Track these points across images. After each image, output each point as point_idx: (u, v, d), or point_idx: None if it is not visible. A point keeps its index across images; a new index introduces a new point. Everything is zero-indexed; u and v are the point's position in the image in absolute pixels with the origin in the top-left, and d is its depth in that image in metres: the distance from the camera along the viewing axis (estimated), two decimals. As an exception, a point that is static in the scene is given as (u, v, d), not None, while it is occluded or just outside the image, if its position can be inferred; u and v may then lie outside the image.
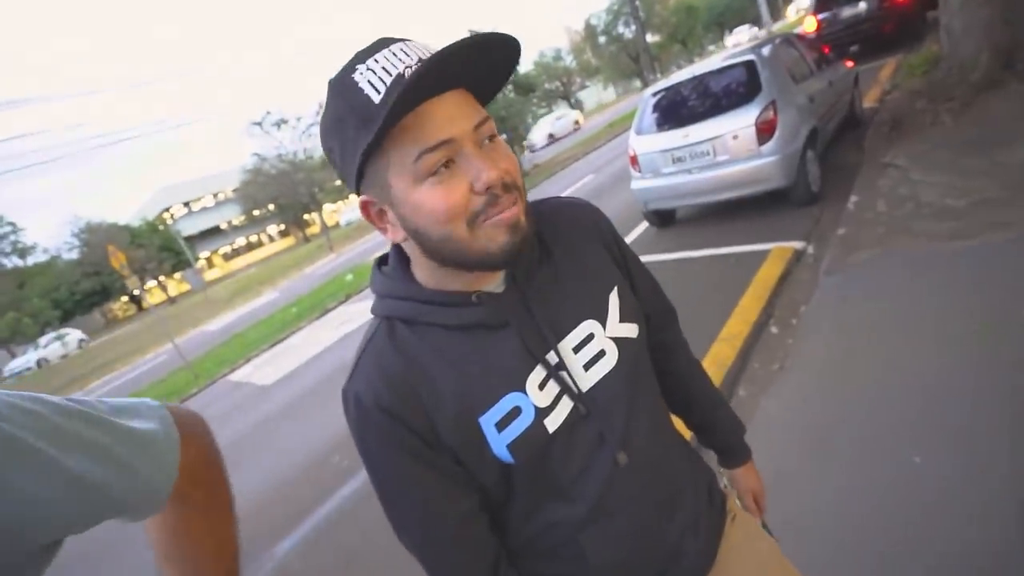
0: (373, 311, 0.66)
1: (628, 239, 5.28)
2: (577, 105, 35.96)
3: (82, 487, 0.47)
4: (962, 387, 1.92)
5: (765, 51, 4.38)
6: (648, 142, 4.72)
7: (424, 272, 0.63)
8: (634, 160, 4.84)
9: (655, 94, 4.92)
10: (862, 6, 8.86)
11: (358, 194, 0.59)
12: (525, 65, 21.46)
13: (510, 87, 16.78)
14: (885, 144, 4.46)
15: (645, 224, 5.45)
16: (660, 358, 0.83)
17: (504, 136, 15.82)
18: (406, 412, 0.59)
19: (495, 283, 0.64)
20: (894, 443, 1.81)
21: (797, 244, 3.69)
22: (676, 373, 0.87)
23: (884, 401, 2.02)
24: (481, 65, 0.54)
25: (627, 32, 33.21)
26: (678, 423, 0.83)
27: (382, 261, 0.69)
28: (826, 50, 5.58)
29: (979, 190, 3.06)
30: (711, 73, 4.55)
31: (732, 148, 4.15)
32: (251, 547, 2.95)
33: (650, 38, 32.04)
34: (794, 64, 4.61)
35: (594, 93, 45.26)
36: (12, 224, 32.42)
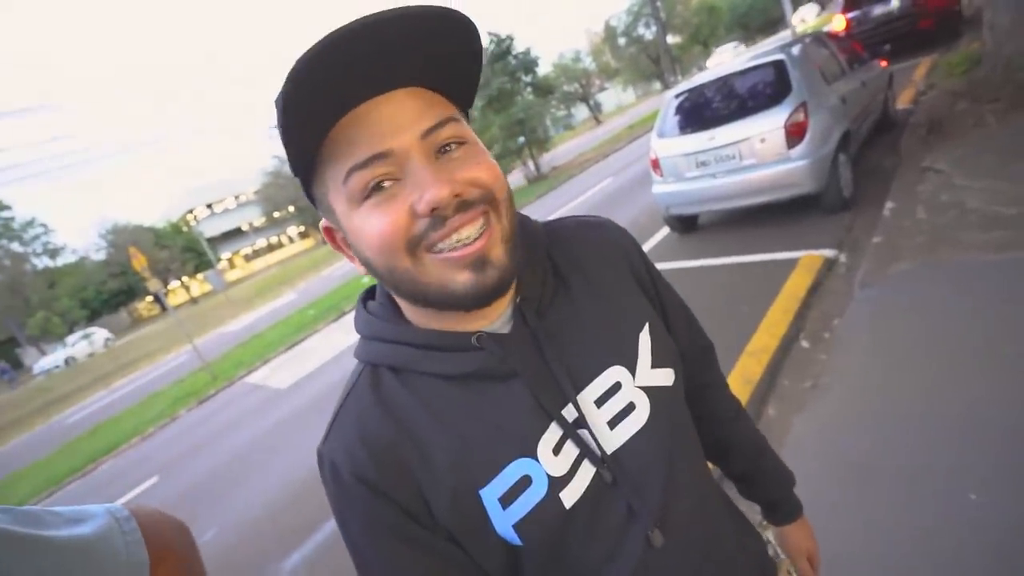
0: (356, 355, 0.55)
1: (648, 246, 5.18)
2: (596, 107, 35.69)
3: None
4: (1019, 415, 1.75)
5: (795, 50, 4.19)
6: (671, 145, 4.56)
7: (413, 309, 0.52)
8: (656, 163, 4.68)
9: (678, 95, 4.76)
10: (894, 3, 8.50)
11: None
12: (544, 67, 21.27)
13: (529, 88, 16.68)
14: (922, 147, 4.24)
15: (666, 230, 5.29)
16: (697, 401, 0.71)
17: (521, 139, 15.80)
18: (392, 486, 0.48)
19: (500, 322, 0.53)
20: (944, 476, 1.65)
21: (828, 253, 3.51)
22: (715, 418, 0.75)
23: (931, 428, 1.85)
24: (433, 50, 0.42)
25: (647, 33, 32.86)
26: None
27: (368, 296, 0.59)
28: (859, 48, 5.35)
29: (1027, 198, 2.86)
30: (738, 73, 4.37)
31: (759, 151, 3.97)
32: (260, 561, 2.89)
33: (671, 39, 31.66)
34: (825, 63, 4.41)
35: (613, 95, 44.91)
36: (44, 226, 33.39)
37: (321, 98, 0.40)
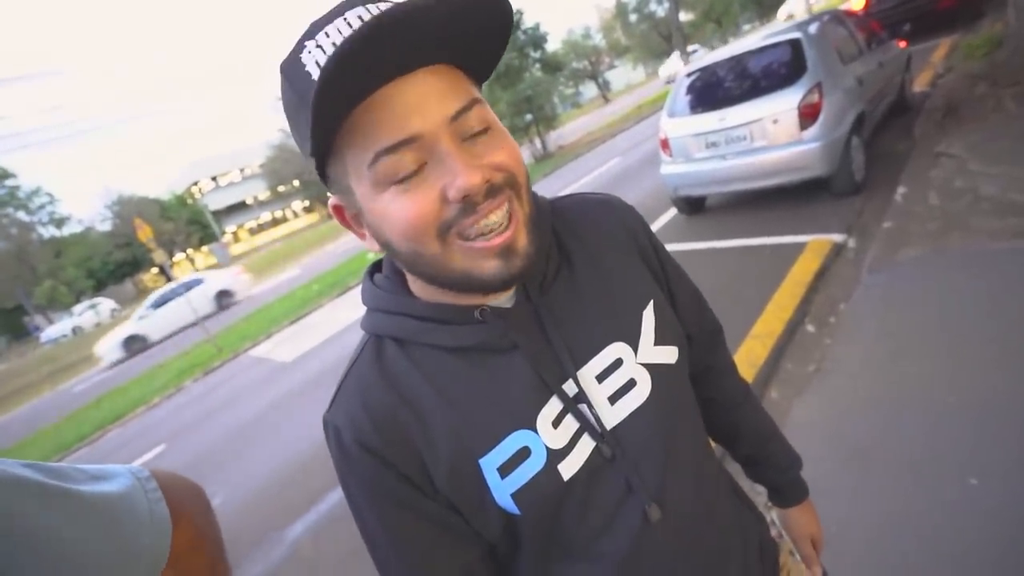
0: (362, 327, 0.55)
1: (655, 227, 5.13)
2: (605, 85, 35.11)
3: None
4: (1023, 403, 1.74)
5: (812, 28, 4.08)
6: (681, 125, 4.48)
7: (418, 284, 0.52)
8: (665, 143, 4.61)
9: (690, 75, 4.67)
10: None
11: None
12: (553, 43, 20.90)
13: (538, 65, 16.39)
14: (938, 131, 4.15)
15: (673, 211, 5.24)
16: (704, 384, 0.72)
17: (529, 116, 15.60)
18: (393, 453, 0.49)
19: (504, 297, 0.53)
20: (946, 462, 1.66)
21: (837, 237, 3.47)
22: (722, 401, 0.74)
23: (934, 414, 1.85)
24: (462, 27, 0.40)
25: (659, 10, 32.12)
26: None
27: (375, 268, 0.58)
28: (877, 28, 5.21)
29: (1046, 184, 2.81)
30: (751, 52, 4.27)
31: (771, 133, 3.90)
32: (263, 528, 2.95)
33: (683, 16, 30.90)
34: (843, 43, 4.29)
35: (623, 73, 44.11)
36: (49, 195, 33.44)
37: (360, 77, 0.38)
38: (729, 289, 3.36)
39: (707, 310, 0.73)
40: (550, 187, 10.48)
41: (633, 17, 33.99)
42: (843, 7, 6.99)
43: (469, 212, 0.43)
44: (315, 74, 0.40)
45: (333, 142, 0.43)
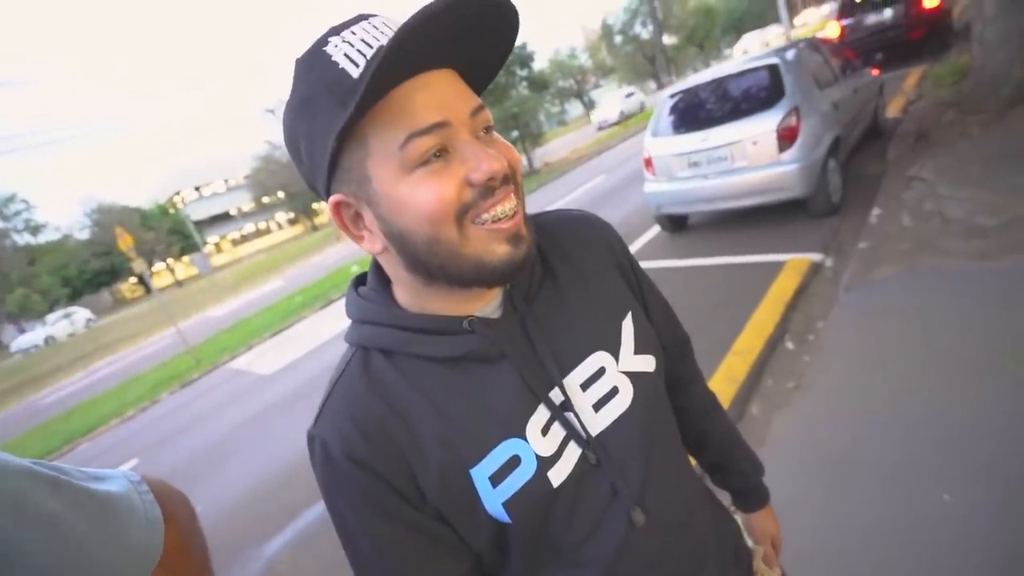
0: (347, 339, 0.56)
1: (638, 244, 5.22)
2: (590, 104, 35.68)
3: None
4: (995, 418, 1.80)
5: (789, 54, 4.23)
6: (664, 144, 4.59)
7: (407, 293, 0.53)
8: (648, 162, 4.71)
9: (673, 96, 4.79)
10: (888, 12, 8.65)
11: (327, 194, 0.49)
12: (540, 62, 21.23)
13: (524, 83, 16.63)
14: (910, 156, 4.31)
15: (657, 229, 5.32)
16: (675, 393, 0.74)
17: (515, 132, 15.77)
18: (382, 465, 0.49)
19: (490, 308, 0.54)
20: (920, 477, 1.70)
21: (815, 256, 3.56)
22: (691, 409, 0.77)
23: (908, 429, 1.90)
24: (475, 39, 0.45)
25: (644, 32, 32.88)
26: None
27: (360, 281, 0.59)
28: (851, 56, 5.42)
29: (1010, 208, 2.92)
30: (732, 76, 4.41)
31: (751, 154, 4.01)
32: (240, 544, 2.88)
33: (667, 39, 31.71)
34: (819, 69, 4.46)
35: (608, 92, 44.92)
36: (25, 202, 32.68)
37: (413, 59, 0.42)
38: (711, 306, 3.42)
39: (677, 322, 0.76)
40: (536, 203, 10.57)
41: (618, 39, 34.74)
42: (819, 35, 7.27)
43: (487, 196, 0.46)
44: (347, 65, 0.43)
45: (357, 127, 0.44)
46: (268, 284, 16.90)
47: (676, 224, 5.04)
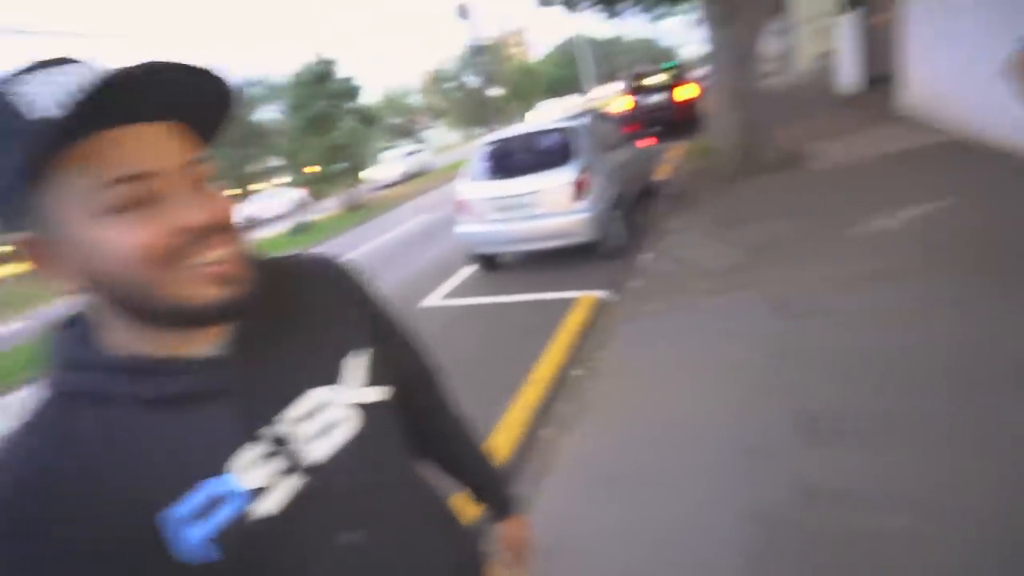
0: (42, 387, 0.51)
1: (454, 280, 5.39)
2: (420, 143, 36.45)
3: None
4: (738, 424, 2.24)
5: (583, 121, 4.93)
6: (477, 189, 4.92)
7: (115, 334, 0.51)
8: (462, 205, 4.99)
9: (488, 144, 5.19)
10: (657, 97, 10.80)
11: (9, 230, 0.47)
12: (372, 96, 21.02)
13: (357, 116, 16.34)
14: (670, 212, 5.30)
15: (472, 267, 5.61)
16: (422, 420, 0.80)
17: (345, 164, 15.33)
18: (53, 528, 0.45)
19: (207, 347, 0.54)
20: (680, 481, 2.00)
21: (601, 293, 4.10)
22: (440, 434, 0.84)
23: (672, 438, 2.24)
24: (195, 96, 0.48)
25: (474, 81, 34.97)
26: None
27: (65, 324, 0.55)
28: (628, 129, 6.51)
29: (729, 257, 3.77)
30: (538, 133, 4.98)
31: (550, 202, 4.53)
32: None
33: (494, 92, 34.15)
34: (606, 135, 5.26)
35: (440, 134, 46.42)
36: None
37: (122, 103, 0.43)
38: (515, 339, 3.70)
39: (421, 354, 0.83)
40: (359, 238, 10.32)
41: (450, 85, 36.38)
42: (610, 107, 8.61)
43: (198, 243, 0.47)
44: (38, 101, 0.43)
45: (46, 169, 0.43)
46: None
47: (487, 263, 5.40)
